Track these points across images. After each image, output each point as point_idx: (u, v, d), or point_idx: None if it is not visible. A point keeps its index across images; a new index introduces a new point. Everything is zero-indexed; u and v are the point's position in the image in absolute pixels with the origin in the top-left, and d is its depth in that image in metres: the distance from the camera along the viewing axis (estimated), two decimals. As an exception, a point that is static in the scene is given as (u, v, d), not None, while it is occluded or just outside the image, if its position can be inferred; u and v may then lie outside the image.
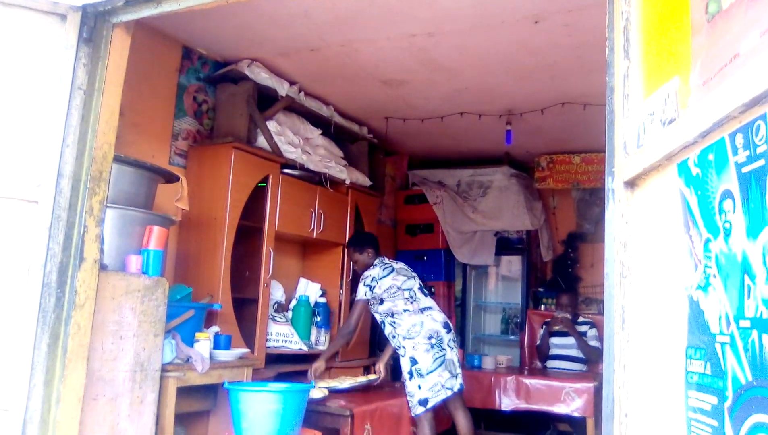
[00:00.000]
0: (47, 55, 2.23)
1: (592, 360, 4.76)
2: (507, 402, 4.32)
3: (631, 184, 1.41)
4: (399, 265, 3.90)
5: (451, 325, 3.82)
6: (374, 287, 3.75)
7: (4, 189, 2.12)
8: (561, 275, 6.15)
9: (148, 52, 3.45)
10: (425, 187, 5.96)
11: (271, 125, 3.96)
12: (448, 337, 3.69)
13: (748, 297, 0.93)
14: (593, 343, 4.78)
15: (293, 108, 4.23)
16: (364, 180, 4.92)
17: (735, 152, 0.97)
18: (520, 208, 5.73)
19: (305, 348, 4.09)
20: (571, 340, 4.86)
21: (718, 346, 1.01)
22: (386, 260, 3.91)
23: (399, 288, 3.75)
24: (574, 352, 4.86)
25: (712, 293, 1.03)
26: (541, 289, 6.17)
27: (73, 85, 2.23)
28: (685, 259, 1.13)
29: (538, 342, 5.17)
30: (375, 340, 4.95)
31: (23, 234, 2.13)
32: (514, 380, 4.31)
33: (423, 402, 3.53)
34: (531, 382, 4.29)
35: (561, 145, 5.61)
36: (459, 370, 3.68)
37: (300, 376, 3.83)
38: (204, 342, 2.99)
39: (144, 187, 2.84)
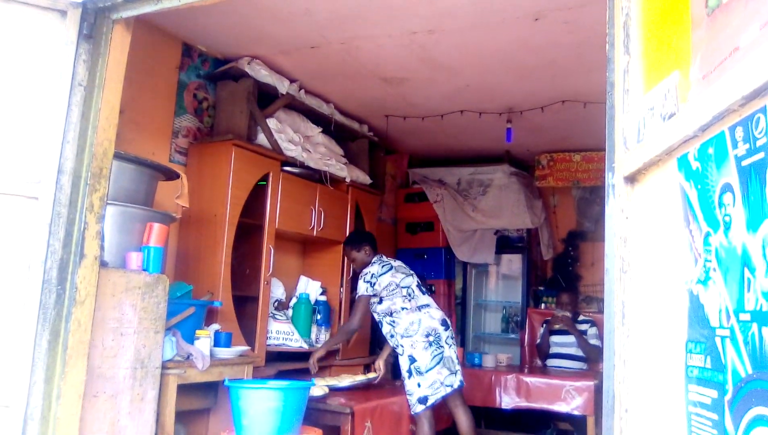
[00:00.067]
0: (47, 52, 2.23)
1: (592, 358, 4.75)
2: (507, 400, 4.32)
3: (631, 179, 1.41)
4: (397, 263, 3.91)
5: (449, 322, 3.81)
6: (374, 284, 3.75)
7: (5, 185, 2.12)
8: (561, 274, 6.15)
9: (149, 49, 3.45)
10: (425, 185, 5.96)
11: (272, 123, 3.96)
12: (446, 335, 3.68)
13: (748, 290, 0.93)
14: (593, 341, 4.78)
15: (293, 106, 4.23)
16: (364, 178, 4.92)
17: (735, 145, 0.97)
18: (521, 206, 5.73)
19: (305, 346, 4.09)
20: (571, 339, 4.86)
21: (718, 340, 1.01)
22: (384, 258, 3.91)
23: (398, 285, 3.75)
24: (575, 351, 4.86)
25: (712, 287, 1.03)
26: (541, 288, 6.17)
27: (74, 81, 2.23)
28: (685, 253, 1.13)
29: (538, 341, 5.17)
30: (375, 338, 4.95)
31: (23, 230, 2.13)
32: (515, 378, 4.31)
33: (422, 400, 3.53)
34: (531, 380, 4.29)
35: (561, 144, 5.60)
36: (458, 367, 3.67)
37: (300, 374, 3.83)
38: (204, 339, 2.99)
39: (144, 184, 2.84)
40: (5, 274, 2.10)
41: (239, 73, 3.84)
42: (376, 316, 3.84)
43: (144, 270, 2.60)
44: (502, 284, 6.42)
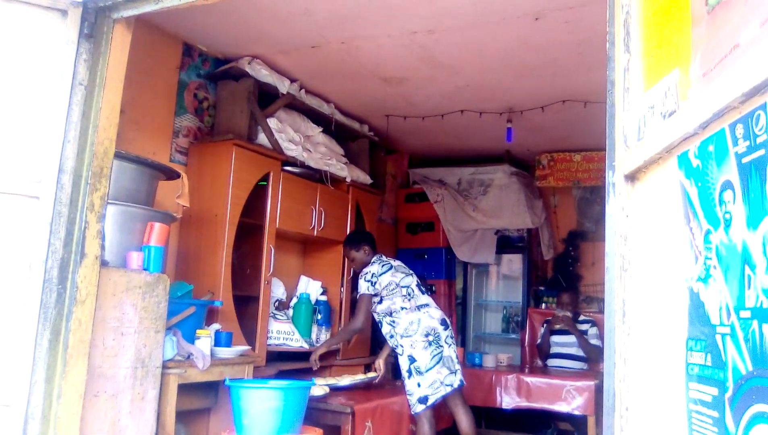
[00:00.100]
0: (48, 51, 2.23)
1: (592, 358, 4.75)
2: (508, 400, 4.32)
3: (631, 177, 1.41)
4: (397, 263, 3.91)
5: (448, 321, 3.81)
6: (375, 283, 3.75)
7: (5, 184, 2.13)
8: (562, 274, 6.15)
9: (149, 49, 3.45)
10: (426, 185, 5.96)
11: (272, 123, 3.96)
12: (445, 334, 3.68)
13: (749, 287, 0.92)
14: (594, 341, 4.78)
15: (294, 105, 4.23)
16: (364, 178, 4.93)
17: (735, 143, 0.97)
18: (521, 206, 5.73)
19: (306, 346, 4.09)
20: (572, 339, 4.86)
21: (718, 337, 1.01)
22: (384, 258, 3.91)
23: (397, 285, 3.75)
24: (575, 351, 4.86)
25: (713, 284, 1.03)
26: (541, 288, 6.17)
27: (74, 80, 2.23)
28: (685, 251, 1.13)
29: (539, 340, 5.17)
30: (375, 338, 4.95)
31: (24, 230, 2.13)
32: (515, 378, 4.31)
33: (423, 400, 3.53)
34: (532, 380, 4.29)
35: (562, 143, 5.60)
36: (458, 367, 3.67)
37: (301, 374, 3.83)
38: (205, 339, 2.99)
39: (145, 183, 2.84)
40: (6, 273, 2.10)
41: (240, 73, 3.84)
42: (376, 316, 3.84)
43: (145, 269, 2.60)
44: (502, 284, 6.42)
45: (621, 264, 1.41)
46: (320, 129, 4.46)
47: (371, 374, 4.01)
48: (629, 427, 1.33)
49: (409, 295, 3.76)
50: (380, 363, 4.00)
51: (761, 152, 0.89)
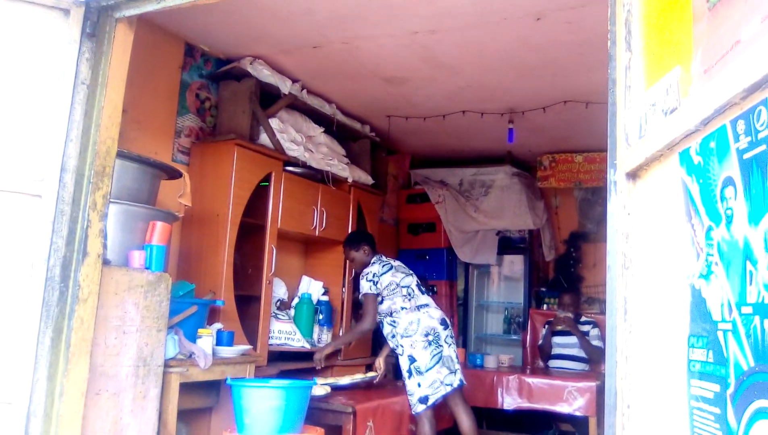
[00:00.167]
0: (51, 50, 2.23)
1: (594, 360, 4.75)
2: (509, 401, 4.31)
3: (633, 175, 1.41)
4: (397, 263, 3.91)
5: (448, 321, 3.81)
6: (377, 283, 3.75)
7: (8, 183, 2.13)
8: (563, 275, 6.14)
9: (151, 49, 3.46)
10: (427, 186, 5.96)
11: (274, 123, 3.97)
12: (445, 334, 3.68)
13: (750, 283, 0.93)
14: (596, 342, 4.77)
15: (296, 106, 4.23)
16: (366, 178, 4.93)
17: (736, 139, 0.97)
18: (522, 207, 5.73)
19: (308, 346, 4.10)
20: (573, 340, 4.85)
21: (720, 334, 1.01)
22: (384, 258, 3.91)
23: (398, 285, 3.76)
24: (577, 352, 4.85)
25: (714, 281, 1.03)
26: (543, 289, 6.16)
27: (77, 80, 2.24)
28: (687, 248, 1.13)
29: (540, 342, 5.16)
30: (377, 338, 4.95)
31: (27, 228, 2.14)
32: (517, 379, 4.31)
33: (423, 400, 3.53)
34: (533, 381, 4.28)
35: (563, 144, 5.61)
36: (458, 366, 3.67)
37: (302, 373, 3.83)
38: (206, 338, 2.99)
39: (147, 183, 2.85)
40: (8, 271, 2.11)
41: (242, 73, 3.85)
42: (377, 316, 3.84)
43: (147, 268, 2.61)
44: (503, 285, 6.41)
45: (623, 262, 1.41)
46: (322, 129, 4.47)
47: (371, 374, 4.01)
48: (631, 424, 1.33)
49: (410, 295, 3.76)
50: (380, 362, 4.01)
51: (762, 148, 0.90)
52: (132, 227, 2.68)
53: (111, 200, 2.37)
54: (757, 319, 0.90)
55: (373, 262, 3.85)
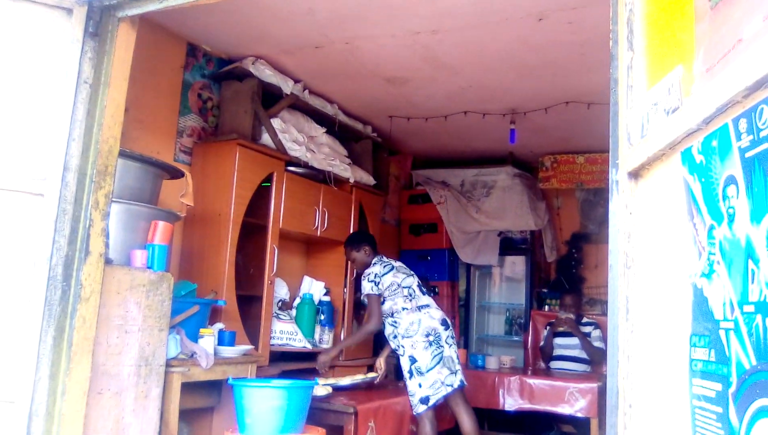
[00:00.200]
0: (53, 49, 2.24)
1: (596, 361, 4.74)
2: (511, 402, 4.31)
3: (635, 174, 1.41)
4: (398, 264, 3.92)
5: (449, 321, 3.81)
6: (378, 283, 3.75)
7: (10, 182, 2.14)
8: (565, 276, 6.14)
9: (153, 49, 3.46)
10: (429, 186, 5.96)
11: (276, 123, 3.97)
12: (446, 334, 3.68)
13: (752, 281, 0.92)
14: (597, 344, 4.77)
15: (298, 106, 4.24)
16: (368, 179, 4.93)
17: (738, 137, 0.97)
18: (524, 208, 5.73)
19: (309, 346, 4.10)
20: (575, 341, 4.85)
21: (722, 332, 1.01)
22: (384, 258, 3.92)
23: (399, 285, 3.76)
24: (578, 353, 4.85)
25: (716, 280, 1.03)
26: (545, 290, 6.16)
27: (79, 79, 2.24)
28: (688, 247, 1.13)
29: (542, 343, 5.15)
30: (378, 339, 4.95)
31: (29, 227, 2.14)
32: (518, 380, 4.30)
33: (424, 400, 3.53)
34: (535, 382, 4.28)
35: (565, 145, 5.60)
36: (458, 367, 3.67)
37: (304, 374, 3.83)
38: (208, 338, 2.99)
39: (149, 182, 2.85)
40: (11, 270, 2.11)
41: (244, 73, 3.85)
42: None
43: (148, 268, 2.61)
44: (505, 286, 6.41)
45: (624, 261, 1.41)
46: (324, 129, 4.47)
47: (371, 375, 4.00)
48: (633, 424, 1.33)
49: (411, 295, 3.76)
50: (381, 362, 4.01)
51: (765, 146, 0.90)
52: (134, 226, 2.69)
53: (113, 199, 2.37)
54: (759, 317, 0.90)
55: (375, 263, 3.85)
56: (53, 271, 2.14)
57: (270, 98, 4.00)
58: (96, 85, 2.28)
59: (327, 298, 4.46)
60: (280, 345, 3.95)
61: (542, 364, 5.15)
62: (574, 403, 4.08)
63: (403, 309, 3.72)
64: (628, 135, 1.45)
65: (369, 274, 3.81)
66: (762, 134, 0.90)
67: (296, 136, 4.13)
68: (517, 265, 6.24)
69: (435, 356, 3.59)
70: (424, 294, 3.84)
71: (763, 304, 0.89)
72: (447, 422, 3.92)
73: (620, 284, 1.41)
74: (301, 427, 2.91)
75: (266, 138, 3.90)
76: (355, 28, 3.43)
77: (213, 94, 3.95)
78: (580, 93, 4.24)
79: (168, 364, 2.69)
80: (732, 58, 0.99)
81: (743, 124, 0.95)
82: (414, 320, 3.68)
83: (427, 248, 5.97)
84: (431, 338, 3.63)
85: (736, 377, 0.96)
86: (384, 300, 3.77)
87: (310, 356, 4.10)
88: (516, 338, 6.13)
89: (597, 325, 4.89)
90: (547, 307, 5.89)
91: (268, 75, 3.92)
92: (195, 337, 2.98)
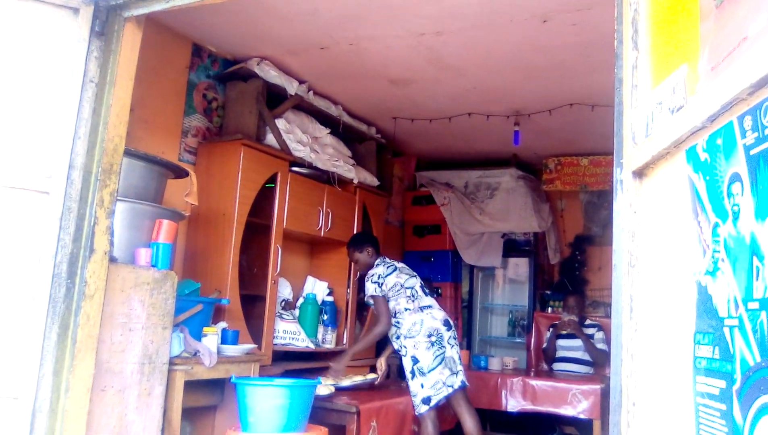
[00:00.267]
0: (60, 48, 2.25)
1: (599, 363, 4.74)
2: (513, 403, 4.31)
3: (639, 173, 1.41)
4: (400, 265, 3.92)
5: (451, 322, 3.81)
6: (382, 284, 3.75)
7: (16, 180, 2.15)
8: (568, 278, 6.13)
9: (159, 49, 3.48)
10: (433, 188, 5.97)
11: (280, 123, 3.98)
12: (448, 335, 3.68)
13: (757, 278, 0.92)
14: (600, 346, 4.76)
15: (302, 107, 4.25)
16: (372, 180, 4.94)
17: (743, 135, 0.97)
18: (528, 210, 5.73)
19: (312, 346, 4.10)
20: (578, 343, 4.84)
21: (726, 330, 1.01)
22: (387, 259, 3.92)
23: (402, 286, 3.76)
24: (581, 355, 4.84)
25: (721, 277, 1.03)
26: (548, 292, 6.15)
27: (85, 78, 2.25)
28: (693, 245, 1.13)
29: (545, 345, 5.15)
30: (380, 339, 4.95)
31: (34, 224, 2.15)
32: (521, 381, 4.30)
33: (426, 400, 3.53)
34: (537, 383, 4.28)
35: (569, 147, 5.60)
36: (460, 368, 3.66)
37: (307, 373, 3.84)
38: (212, 336, 3.00)
39: (154, 181, 2.86)
40: (16, 267, 2.12)
41: (248, 74, 3.86)
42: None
43: (153, 266, 2.62)
44: (508, 288, 6.41)
45: (629, 260, 1.41)
46: (328, 130, 4.48)
47: (371, 376, 4.00)
48: (636, 422, 1.33)
49: (413, 296, 3.77)
50: (381, 363, 4.01)
51: (769, 143, 0.90)
52: (139, 225, 2.70)
53: (118, 198, 2.38)
54: (763, 314, 0.90)
55: (378, 264, 3.86)
56: (58, 268, 2.15)
57: (274, 99, 4.01)
58: (102, 84, 2.29)
59: (330, 299, 4.46)
60: (283, 344, 3.96)
61: (545, 366, 5.14)
62: (576, 404, 4.08)
63: (406, 309, 3.72)
64: (633, 134, 1.45)
65: (372, 275, 3.81)
66: (767, 131, 0.90)
67: (300, 137, 4.14)
68: (520, 266, 6.24)
69: (437, 357, 3.59)
70: (426, 295, 3.84)
71: (767, 301, 0.89)
72: (448, 423, 3.91)
73: (624, 283, 1.41)
74: (304, 426, 2.91)
75: (270, 138, 3.91)
76: (359, 29, 3.44)
77: (218, 95, 3.96)
78: (585, 95, 4.24)
79: (171, 362, 2.70)
80: (737, 56, 0.99)
81: (748, 122, 0.95)
82: (416, 321, 3.68)
83: (431, 250, 5.97)
84: (433, 339, 3.63)
85: (740, 374, 0.96)
86: (387, 300, 3.77)
87: (312, 356, 4.10)
88: (519, 340, 6.12)
89: (600, 327, 4.88)
90: (550, 309, 5.89)
91: (272, 76, 3.93)
92: (198, 336, 2.98)
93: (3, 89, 2.17)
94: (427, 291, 3.89)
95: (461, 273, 6.13)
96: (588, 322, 4.99)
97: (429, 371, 3.57)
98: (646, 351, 1.33)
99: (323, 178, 4.37)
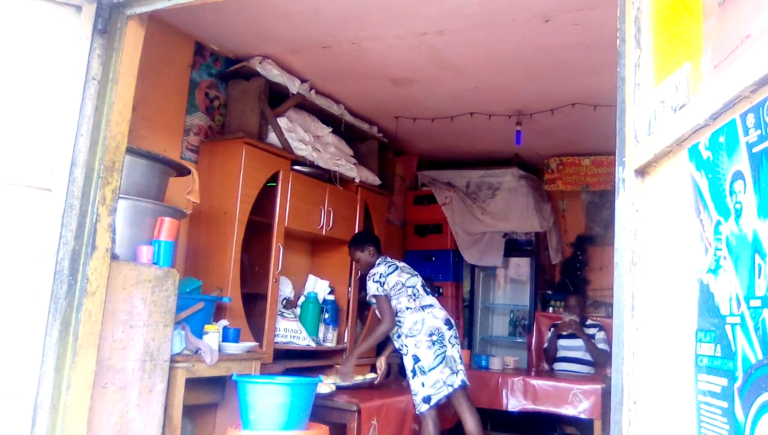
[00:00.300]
0: (62, 46, 2.26)
1: (600, 363, 4.74)
2: (514, 403, 4.31)
3: (641, 172, 1.41)
4: (402, 264, 3.92)
5: (452, 321, 3.81)
6: (383, 283, 3.75)
7: (19, 177, 2.15)
8: (569, 278, 6.14)
9: (161, 47, 3.48)
10: (434, 187, 5.97)
11: (282, 122, 3.98)
12: (449, 334, 3.68)
13: (759, 276, 0.92)
14: (601, 346, 4.76)
15: (304, 106, 4.25)
16: (373, 179, 4.94)
17: (746, 133, 0.97)
18: (529, 209, 5.73)
19: (313, 344, 4.11)
20: (579, 343, 4.84)
21: (728, 328, 1.01)
22: (389, 259, 3.92)
23: (404, 285, 3.76)
24: (582, 355, 4.84)
25: (723, 275, 1.03)
26: (549, 292, 6.15)
27: (88, 75, 2.26)
28: (695, 243, 1.13)
29: (545, 344, 5.15)
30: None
31: (36, 221, 2.15)
32: (522, 381, 4.30)
33: (426, 399, 3.53)
34: (538, 383, 4.28)
35: (570, 147, 5.60)
36: (460, 367, 3.66)
37: (308, 371, 3.84)
38: (213, 334, 3.00)
39: (156, 179, 2.86)
40: (18, 263, 2.13)
41: (251, 73, 3.87)
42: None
43: (154, 264, 2.62)
44: (509, 287, 6.41)
45: (630, 258, 1.41)
46: (330, 129, 4.48)
47: (370, 376, 4.00)
48: (637, 420, 1.33)
49: (414, 295, 3.77)
50: (381, 362, 4.01)
51: (772, 141, 0.90)
52: (140, 223, 2.70)
53: (120, 195, 2.38)
54: (765, 311, 0.90)
55: (379, 263, 3.86)
56: (60, 265, 2.15)
57: (276, 98, 4.02)
58: (104, 82, 2.29)
59: (331, 297, 4.47)
60: (284, 343, 3.96)
61: (546, 366, 5.14)
62: (577, 404, 4.08)
63: (407, 308, 3.72)
64: (635, 133, 1.45)
65: (374, 275, 3.81)
66: (769, 129, 0.90)
67: (302, 136, 4.14)
68: (521, 266, 6.24)
69: (438, 356, 3.60)
70: (428, 294, 3.85)
71: (769, 299, 0.89)
72: (449, 422, 3.92)
73: (626, 281, 1.41)
74: (305, 424, 2.91)
75: (272, 137, 3.91)
76: (361, 28, 3.44)
77: (220, 93, 3.96)
78: (586, 95, 4.24)
79: (172, 360, 2.70)
80: (740, 54, 0.99)
81: (751, 120, 0.95)
82: (418, 320, 3.69)
83: (432, 249, 5.97)
84: (434, 338, 3.63)
85: (742, 372, 0.96)
86: (389, 300, 3.77)
87: (313, 354, 4.10)
88: (520, 339, 6.12)
89: (601, 327, 4.88)
90: (551, 309, 5.88)
91: (274, 74, 3.93)
92: (200, 334, 2.99)
93: (6, 87, 2.17)
94: (428, 290, 3.89)
95: (462, 272, 6.14)
96: (589, 322, 4.99)
97: (430, 370, 3.57)
98: (647, 349, 1.33)
99: (325, 177, 4.37)
